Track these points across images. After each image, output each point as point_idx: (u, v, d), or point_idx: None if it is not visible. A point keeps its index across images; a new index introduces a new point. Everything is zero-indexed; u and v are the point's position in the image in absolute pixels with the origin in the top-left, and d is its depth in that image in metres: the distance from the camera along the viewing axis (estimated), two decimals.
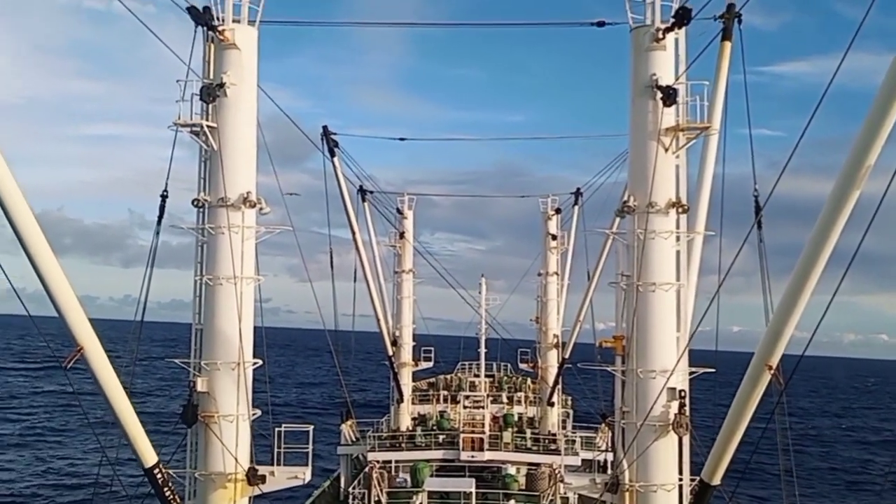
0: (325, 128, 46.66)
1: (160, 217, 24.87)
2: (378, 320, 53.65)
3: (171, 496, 22.89)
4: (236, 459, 23.77)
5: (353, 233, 49.23)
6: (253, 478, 24.02)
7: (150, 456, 22.17)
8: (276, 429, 26.26)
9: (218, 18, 23.64)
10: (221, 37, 23.59)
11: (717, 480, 21.73)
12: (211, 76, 23.91)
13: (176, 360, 25.22)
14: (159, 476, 22.49)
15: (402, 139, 58.95)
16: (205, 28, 23.54)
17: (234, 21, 23.92)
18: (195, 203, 24.20)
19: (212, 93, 23.39)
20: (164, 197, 24.93)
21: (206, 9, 23.32)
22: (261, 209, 24.46)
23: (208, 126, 23.69)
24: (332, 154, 46.57)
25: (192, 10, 22.87)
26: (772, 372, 18.61)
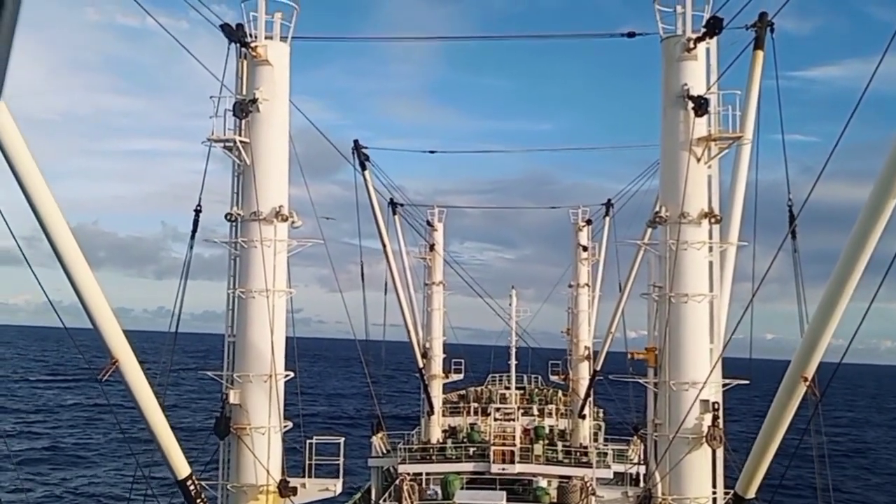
0: (356, 142, 46.97)
1: (194, 231, 25.17)
2: (408, 332, 53.76)
3: None
4: (268, 471, 23.91)
5: (384, 245, 49.45)
6: (284, 490, 24.14)
7: (183, 468, 22.37)
8: (308, 441, 26.39)
9: (250, 35, 23.99)
10: (254, 53, 23.91)
11: (751, 494, 21.42)
12: (244, 92, 24.23)
13: (209, 373, 25.46)
14: (192, 488, 22.68)
15: (432, 152, 59.35)
16: (238, 45, 23.87)
17: (266, 38, 24.25)
18: (228, 217, 24.48)
19: (245, 108, 23.68)
20: (197, 211, 25.22)
21: (239, 26, 23.66)
22: (293, 223, 24.68)
23: (241, 141, 23.97)
24: (364, 168, 46.85)
25: (225, 28, 23.20)
26: (807, 384, 18.35)
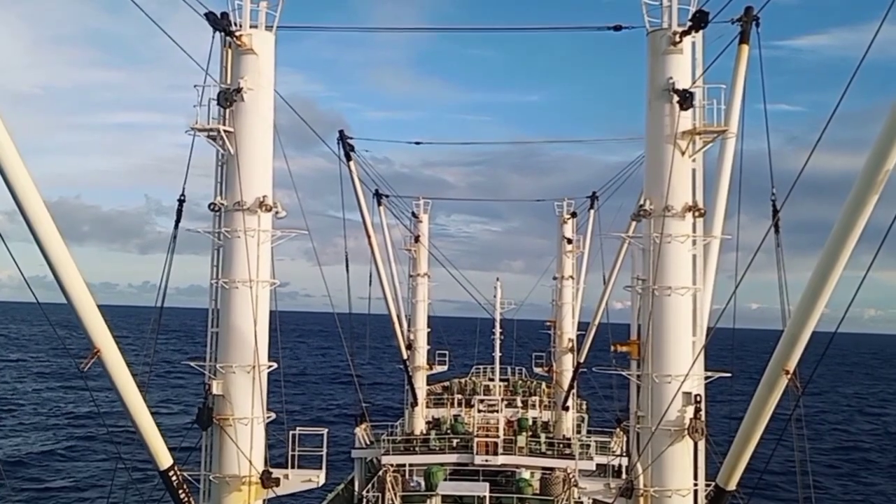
0: (341, 132, 46.88)
1: (177, 221, 25.04)
2: (393, 323, 53.76)
3: (186, 498, 22.99)
4: (251, 462, 23.87)
5: (369, 237, 49.34)
6: (267, 480, 24.10)
7: (165, 458, 22.27)
8: (291, 432, 26.35)
9: (236, 24, 23.80)
10: (239, 42, 23.73)
11: (732, 486, 21.59)
12: (228, 81, 24.06)
13: (191, 363, 25.34)
14: (174, 478, 22.60)
15: (417, 143, 59.29)
16: (223, 33, 23.67)
17: (251, 26, 24.07)
18: (212, 207, 24.35)
19: (229, 98, 23.52)
20: (181, 201, 25.09)
21: (224, 14, 23.46)
22: (277, 213, 24.57)
23: (225, 131, 23.81)
24: (349, 158, 46.74)
25: (210, 16, 22.98)
26: (789, 377, 18.48)
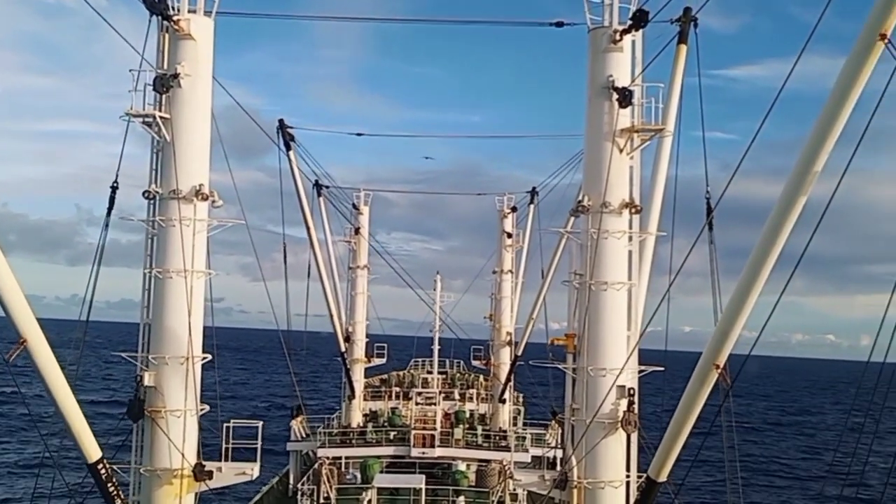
0: (281, 121, 46.32)
1: (109, 209, 24.44)
2: (331, 316, 53.36)
3: (115, 492, 22.52)
4: (183, 455, 23.47)
5: (308, 228, 48.90)
6: (200, 473, 23.73)
7: (93, 451, 21.80)
8: (225, 424, 26.01)
9: (173, 8, 23.28)
10: (176, 27, 23.23)
11: (663, 477, 22.03)
12: (165, 67, 23.54)
13: (122, 354, 24.78)
14: (103, 472, 22.12)
15: (359, 134, 58.99)
16: (160, 18, 23.14)
17: (189, 11, 23.59)
18: (146, 195, 23.81)
19: (165, 83, 23.04)
20: (114, 188, 24.48)
21: None
22: (213, 202, 24.16)
23: (161, 117, 23.31)
24: (288, 148, 46.19)
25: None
26: (719, 371, 18.93)
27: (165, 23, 23.30)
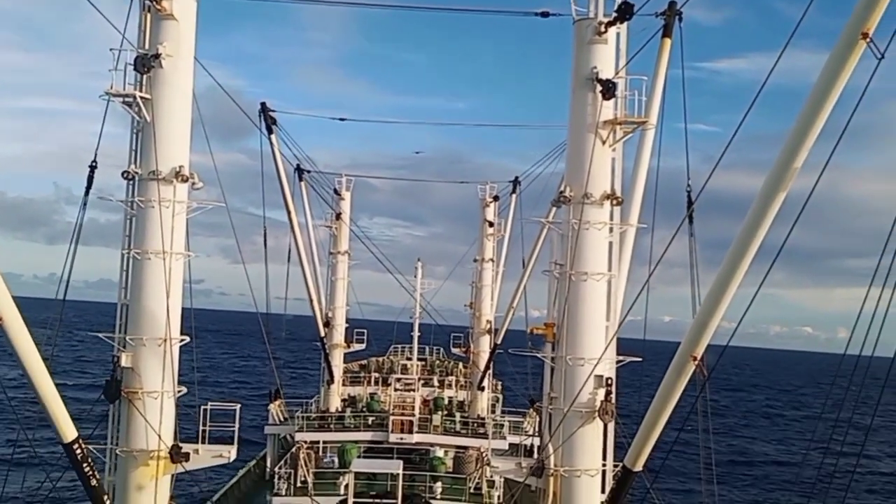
0: (263, 104, 46.04)
1: (88, 188, 24.26)
2: (311, 301, 53.33)
3: (91, 472, 22.42)
4: (159, 436, 23.39)
5: (289, 212, 48.78)
6: (176, 455, 23.65)
7: (69, 431, 21.69)
8: (203, 407, 25.93)
9: None
10: (158, 7, 23.00)
11: (639, 466, 22.24)
12: (146, 46, 23.32)
13: (100, 335, 24.64)
14: (79, 452, 22.01)
15: (342, 119, 58.82)
16: None
17: None
18: (125, 175, 23.61)
19: (146, 63, 22.82)
20: (92, 167, 24.26)
21: None
22: (193, 184, 24.01)
23: (142, 97, 23.11)
24: (270, 131, 45.98)
25: None
26: (696, 363, 19.08)
27: (147, 2, 23.08)
